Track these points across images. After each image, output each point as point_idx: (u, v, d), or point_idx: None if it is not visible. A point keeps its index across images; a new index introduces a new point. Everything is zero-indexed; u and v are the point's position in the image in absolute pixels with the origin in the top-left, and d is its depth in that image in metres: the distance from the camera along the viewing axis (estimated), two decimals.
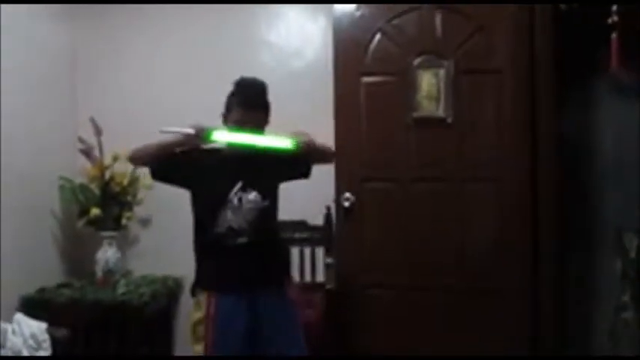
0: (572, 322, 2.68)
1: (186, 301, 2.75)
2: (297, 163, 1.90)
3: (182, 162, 1.82)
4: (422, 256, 2.74)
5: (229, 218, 1.76)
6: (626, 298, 2.36)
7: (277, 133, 1.85)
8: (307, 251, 2.92)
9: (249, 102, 1.79)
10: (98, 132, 2.83)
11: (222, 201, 1.76)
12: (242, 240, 1.77)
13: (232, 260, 1.77)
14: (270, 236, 1.89)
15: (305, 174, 1.96)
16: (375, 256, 2.78)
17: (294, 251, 2.93)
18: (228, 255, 1.78)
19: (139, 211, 2.93)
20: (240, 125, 1.76)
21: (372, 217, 2.79)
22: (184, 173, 1.83)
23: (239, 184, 1.78)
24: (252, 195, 1.79)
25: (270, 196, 1.85)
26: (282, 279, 1.91)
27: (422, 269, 2.75)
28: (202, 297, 1.77)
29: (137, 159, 1.86)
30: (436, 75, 2.73)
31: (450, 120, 2.72)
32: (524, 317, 2.67)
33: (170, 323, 2.98)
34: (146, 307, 2.56)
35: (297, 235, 2.90)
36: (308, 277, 2.89)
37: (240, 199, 1.78)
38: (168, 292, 2.84)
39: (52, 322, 2.04)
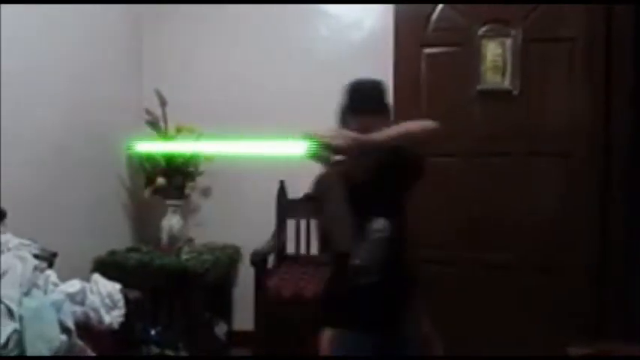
0: (638, 299, 2.57)
1: (245, 269, 2.85)
2: (406, 163, 1.52)
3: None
4: (482, 232, 2.69)
5: (357, 253, 1.49)
6: None
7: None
8: None
9: (366, 107, 1.47)
10: (163, 103, 2.92)
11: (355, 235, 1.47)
12: (371, 279, 1.50)
13: (361, 300, 1.52)
14: (403, 271, 1.58)
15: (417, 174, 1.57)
16: (432, 231, 2.75)
17: None
18: (357, 293, 1.52)
19: (200, 181, 3.03)
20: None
21: (431, 193, 2.75)
22: None
23: (366, 212, 1.48)
24: (379, 223, 1.48)
25: (398, 218, 1.52)
26: (415, 316, 1.61)
27: (481, 246, 2.71)
28: (329, 333, 1.56)
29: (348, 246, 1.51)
30: (502, 44, 2.62)
31: (516, 92, 2.61)
32: (587, 299, 2.59)
33: (229, 290, 3.09)
34: (208, 273, 2.66)
35: None
36: None
37: (365, 230, 1.48)
38: (229, 261, 2.94)
39: (122, 283, 2.15)
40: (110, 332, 1.85)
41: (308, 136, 1.33)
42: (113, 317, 1.82)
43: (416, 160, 1.54)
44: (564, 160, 2.64)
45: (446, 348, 2.60)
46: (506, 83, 2.61)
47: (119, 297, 1.89)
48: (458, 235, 2.72)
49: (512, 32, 2.59)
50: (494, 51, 2.61)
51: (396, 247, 1.51)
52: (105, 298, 1.80)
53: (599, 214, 2.58)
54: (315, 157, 1.35)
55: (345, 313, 1.54)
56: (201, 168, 2.99)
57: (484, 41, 2.63)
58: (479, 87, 2.64)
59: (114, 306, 1.84)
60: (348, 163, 1.38)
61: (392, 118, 1.56)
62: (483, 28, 2.64)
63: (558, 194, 2.65)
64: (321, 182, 1.52)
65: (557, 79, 2.61)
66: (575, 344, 1.71)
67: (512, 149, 2.65)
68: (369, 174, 1.47)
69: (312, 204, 1.58)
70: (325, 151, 1.32)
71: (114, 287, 1.90)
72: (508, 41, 2.59)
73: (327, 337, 1.55)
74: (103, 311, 1.76)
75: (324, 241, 1.61)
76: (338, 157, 1.35)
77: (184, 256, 2.71)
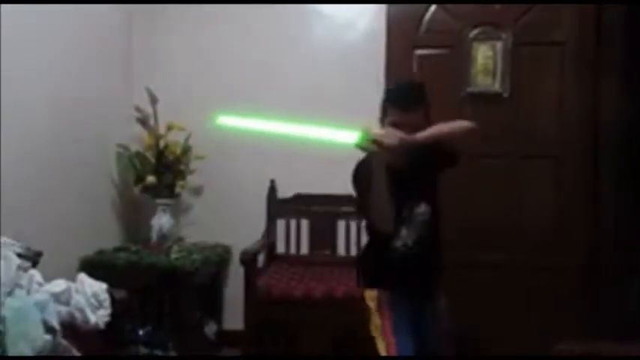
0: (632, 299, 2.59)
1: (235, 269, 2.84)
2: (443, 154, 1.73)
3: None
4: (475, 233, 2.70)
5: (403, 234, 1.71)
6: None
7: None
8: (353, 225, 2.93)
9: (404, 101, 1.67)
10: (154, 101, 2.90)
11: (397, 217, 1.66)
12: (413, 251, 1.72)
13: (402, 267, 1.73)
14: (437, 249, 1.81)
15: (451, 162, 1.78)
16: None
17: (341, 224, 2.95)
18: (399, 262, 1.73)
19: (191, 180, 3.02)
20: (396, 127, 1.61)
21: None
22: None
23: (408, 198, 1.70)
24: (422, 207, 1.72)
25: (435, 202, 1.76)
26: (440, 290, 1.84)
27: (475, 247, 2.71)
28: (373, 293, 1.77)
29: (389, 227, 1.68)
30: (493, 47, 2.63)
31: (506, 95, 2.62)
32: (583, 295, 2.60)
33: (220, 289, 3.08)
34: (197, 272, 2.65)
35: (343, 209, 2.91)
36: (354, 251, 2.91)
37: (411, 214, 1.71)
38: (218, 260, 2.92)
39: (110, 283, 2.14)
40: (97, 332, 1.84)
41: (363, 131, 1.50)
42: (99, 317, 1.81)
43: (452, 148, 1.73)
44: (555, 162, 2.66)
45: None
46: (497, 86, 2.62)
47: (105, 297, 1.87)
48: (451, 236, 2.72)
49: (503, 36, 2.60)
50: (484, 54, 2.62)
51: (433, 228, 1.74)
52: (90, 298, 1.79)
53: (592, 213, 2.60)
54: (363, 148, 1.52)
55: (387, 276, 1.74)
56: (192, 166, 2.98)
57: (475, 44, 2.64)
58: (469, 89, 2.65)
59: (100, 306, 1.83)
60: (392, 155, 1.55)
61: (428, 114, 1.69)
62: (475, 31, 2.65)
63: (550, 195, 2.67)
64: (362, 165, 1.69)
65: (548, 83, 2.63)
66: (563, 343, 1.73)
67: (503, 151, 2.67)
68: (411, 164, 1.66)
69: (354, 186, 1.73)
70: (373, 146, 1.50)
71: (100, 287, 1.89)
72: (499, 44, 2.61)
73: (371, 296, 1.76)
74: (88, 311, 1.75)
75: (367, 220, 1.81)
76: (383, 151, 1.52)
77: (174, 256, 2.69)
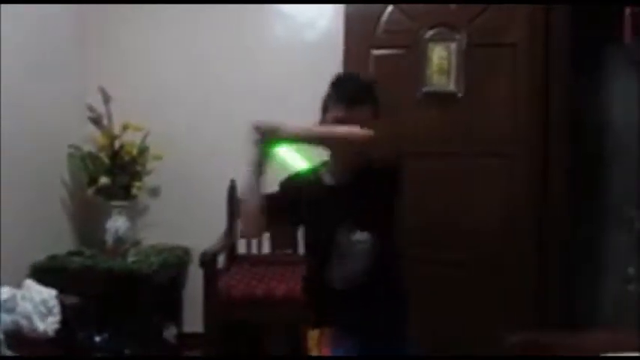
0: (579, 295, 2.69)
1: (194, 270, 2.80)
2: (387, 177, 1.54)
3: (294, 201, 1.57)
4: (429, 231, 2.74)
5: (340, 266, 1.52)
6: (631, 270, 2.36)
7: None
8: None
9: (351, 96, 1.50)
10: (107, 100, 2.83)
11: (330, 245, 1.51)
12: (355, 285, 1.53)
13: (343, 304, 1.55)
14: (385, 279, 1.57)
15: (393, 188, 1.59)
16: None
17: None
18: (339, 298, 1.55)
19: (148, 181, 2.96)
20: (341, 124, 1.46)
21: None
22: (299, 213, 1.58)
23: (340, 224, 1.51)
24: (359, 235, 1.51)
25: (379, 228, 1.53)
26: (396, 328, 1.60)
27: (429, 245, 2.75)
28: (315, 333, 1.59)
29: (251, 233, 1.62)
30: (447, 48, 2.68)
31: (460, 95, 2.67)
32: (532, 292, 2.68)
33: (179, 292, 3.04)
34: (155, 275, 2.60)
35: None
36: None
37: (347, 243, 1.52)
38: (177, 262, 2.89)
39: (63, 289, 2.08)
40: (47, 340, 1.78)
41: (254, 126, 1.42)
42: (48, 324, 1.75)
43: (389, 173, 1.55)
44: (508, 161, 2.71)
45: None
46: (451, 86, 2.67)
47: (54, 303, 1.82)
48: (403, 234, 2.76)
49: (457, 37, 2.65)
50: (439, 54, 2.66)
51: (378, 259, 1.52)
52: (39, 305, 1.73)
53: (541, 211, 2.68)
54: (262, 149, 1.44)
55: (328, 313, 1.57)
56: (150, 167, 2.92)
57: (430, 44, 2.68)
58: (425, 89, 2.69)
59: (48, 313, 1.77)
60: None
61: (377, 113, 1.58)
62: (430, 32, 2.69)
63: (503, 194, 2.71)
64: (285, 179, 1.62)
65: (500, 83, 2.69)
66: (512, 334, 1.77)
67: (456, 150, 2.71)
68: (339, 184, 1.53)
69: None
70: (268, 141, 1.41)
71: (49, 293, 1.83)
72: (453, 45, 2.65)
73: (312, 336, 1.58)
74: (36, 318, 1.69)
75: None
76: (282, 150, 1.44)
77: (131, 259, 2.65)
